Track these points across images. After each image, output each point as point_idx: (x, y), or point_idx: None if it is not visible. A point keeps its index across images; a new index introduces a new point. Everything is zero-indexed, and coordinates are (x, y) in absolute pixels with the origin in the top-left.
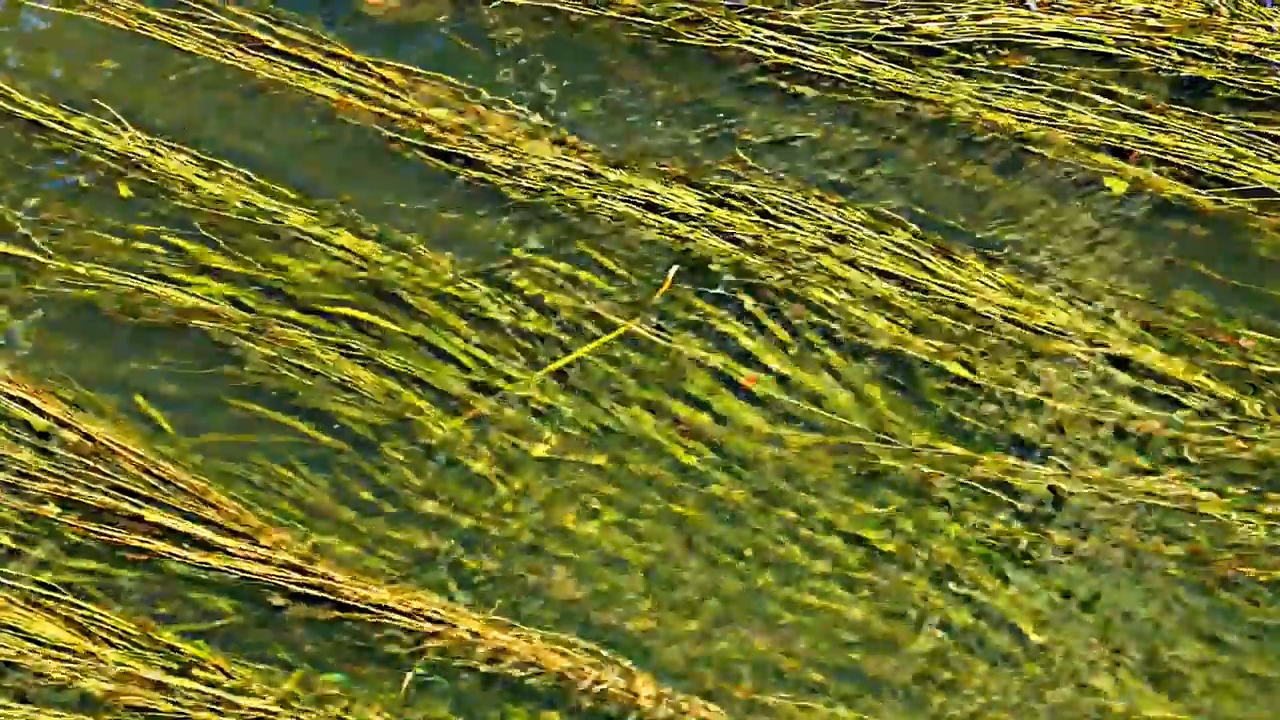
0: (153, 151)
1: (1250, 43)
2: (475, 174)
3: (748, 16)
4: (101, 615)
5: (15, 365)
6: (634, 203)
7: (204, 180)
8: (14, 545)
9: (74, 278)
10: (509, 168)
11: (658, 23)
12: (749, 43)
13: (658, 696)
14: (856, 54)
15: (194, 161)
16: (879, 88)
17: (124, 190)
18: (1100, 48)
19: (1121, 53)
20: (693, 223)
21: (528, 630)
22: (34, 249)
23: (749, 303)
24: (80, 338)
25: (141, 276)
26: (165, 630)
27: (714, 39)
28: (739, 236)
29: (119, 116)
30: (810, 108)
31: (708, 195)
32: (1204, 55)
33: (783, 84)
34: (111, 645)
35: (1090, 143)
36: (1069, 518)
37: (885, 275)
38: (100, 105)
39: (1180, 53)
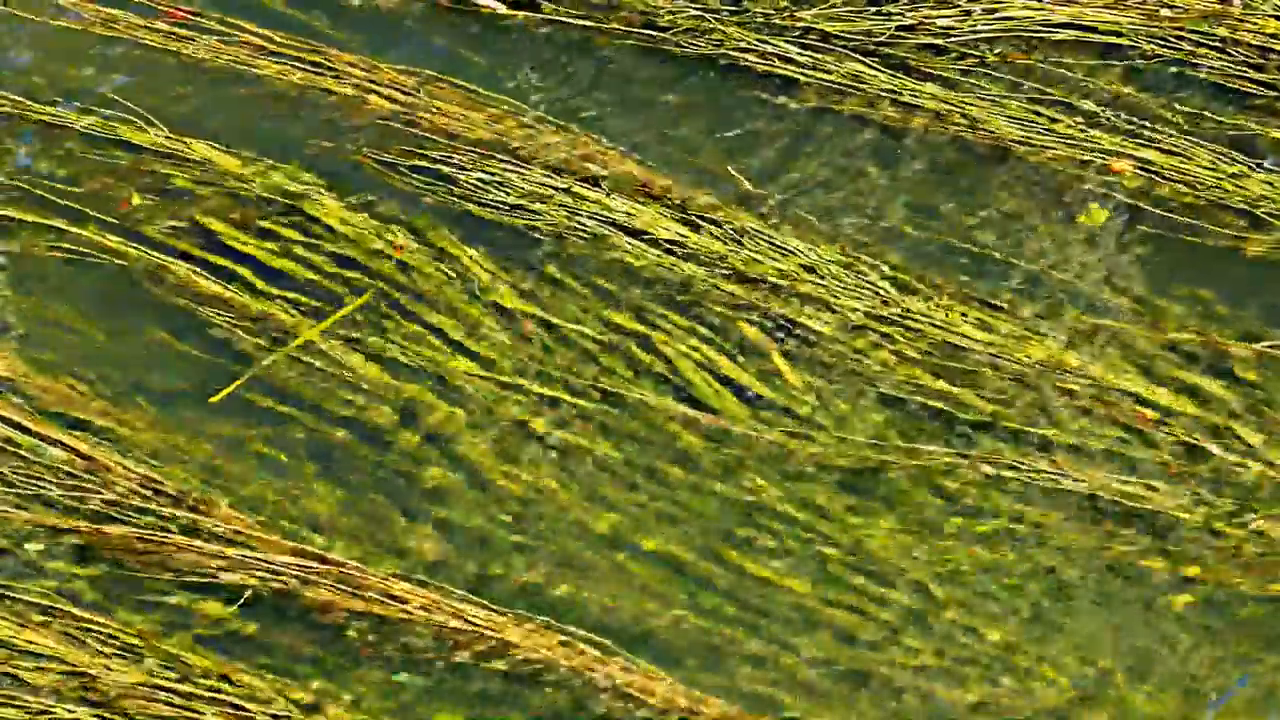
0: (181, 142)
1: (1262, 33)
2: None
3: (755, 21)
4: (101, 625)
5: (15, 349)
6: (606, 221)
7: (224, 158)
8: (12, 548)
9: (91, 248)
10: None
11: (662, 34)
12: (746, 50)
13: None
14: (854, 58)
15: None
16: (885, 97)
17: (136, 199)
18: (1112, 39)
19: (1132, 43)
20: (668, 246)
21: (540, 626)
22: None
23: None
24: (88, 321)
25: (156, 252)
26: (167, 640)
27: (714, 48)
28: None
29: (144, 112)
30: (805, 120)
31: (685, 218)
32: (1216, 46)
33: (779, 99)
34: (107, 656)
35: (1084, 158)
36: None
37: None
38: (120, 101)
39: (1194, 44)
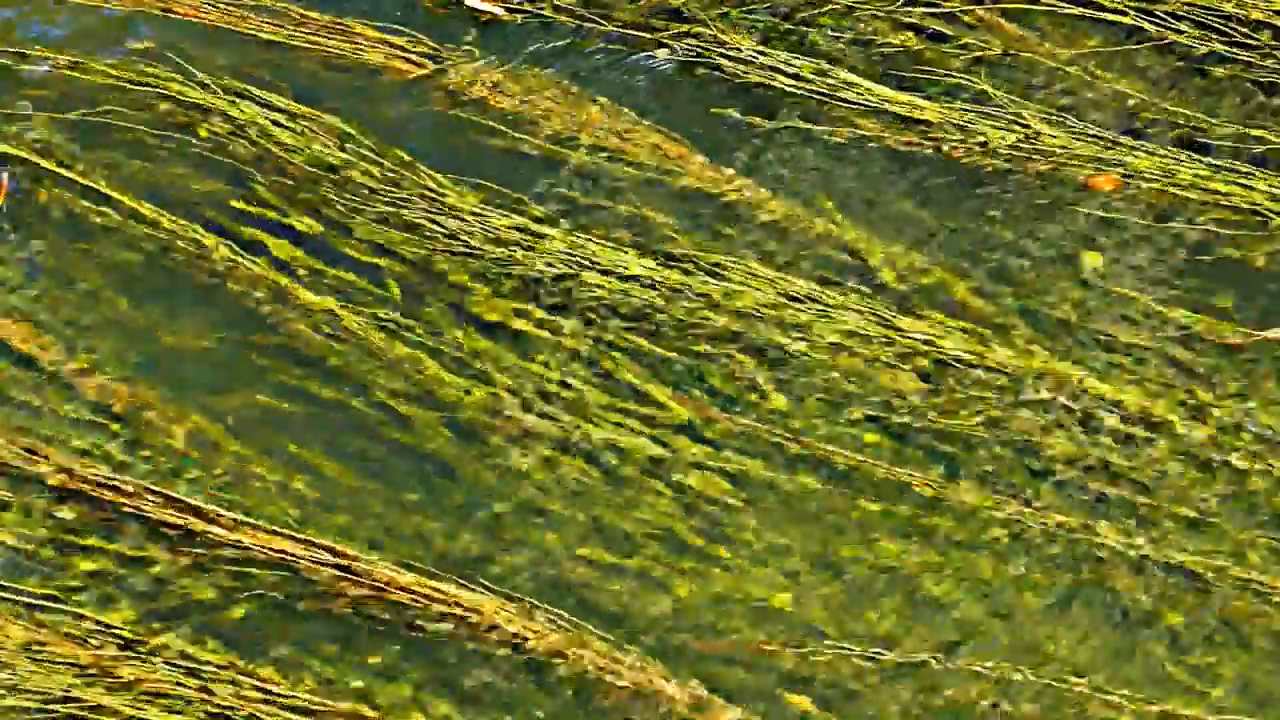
0: (231, 102)
1: (1270, 10)
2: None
3: (756, 22)
4: (104, 622)
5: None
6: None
7: (279, 128)
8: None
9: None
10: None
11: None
12: (732, 59)
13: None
14: (846, 70)
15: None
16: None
17: (203, 132)
18: (1120, 19)
19: (1135, 23)
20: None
21: (550, 615)
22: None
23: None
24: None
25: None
26: (171, 635)
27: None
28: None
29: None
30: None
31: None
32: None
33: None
34: (114, 654)
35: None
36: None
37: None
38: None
39: (1199, 24)
